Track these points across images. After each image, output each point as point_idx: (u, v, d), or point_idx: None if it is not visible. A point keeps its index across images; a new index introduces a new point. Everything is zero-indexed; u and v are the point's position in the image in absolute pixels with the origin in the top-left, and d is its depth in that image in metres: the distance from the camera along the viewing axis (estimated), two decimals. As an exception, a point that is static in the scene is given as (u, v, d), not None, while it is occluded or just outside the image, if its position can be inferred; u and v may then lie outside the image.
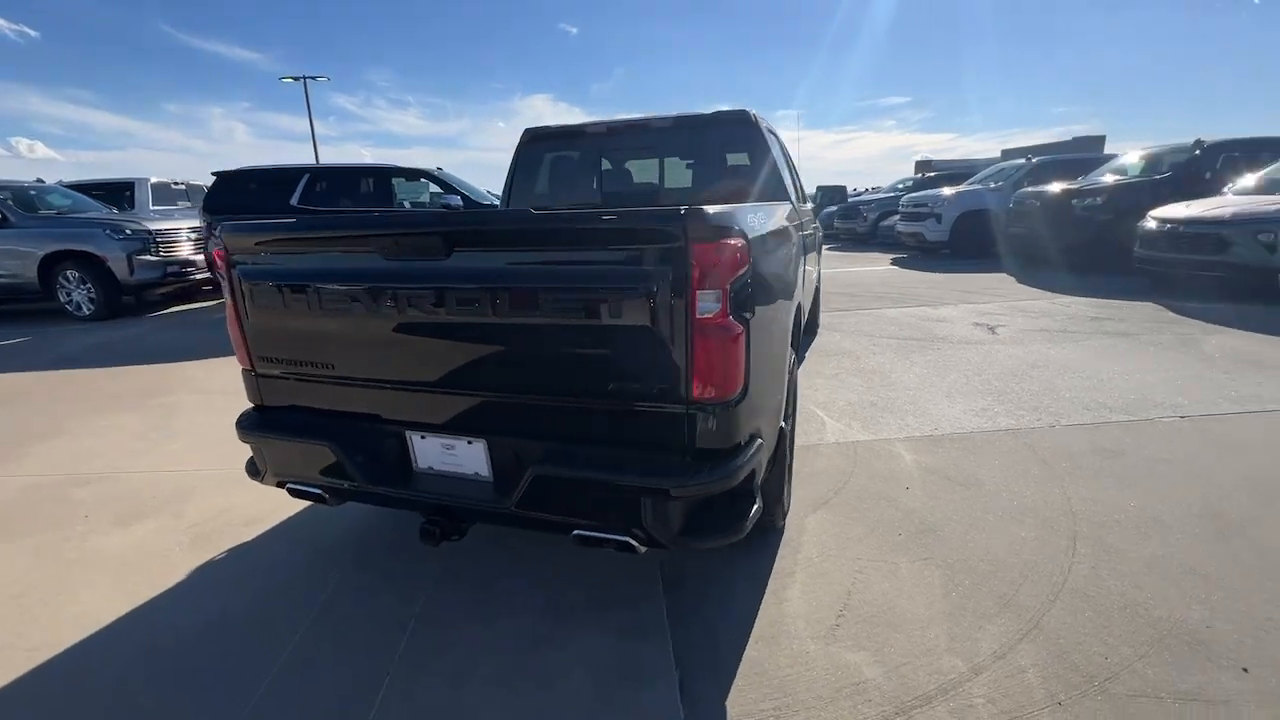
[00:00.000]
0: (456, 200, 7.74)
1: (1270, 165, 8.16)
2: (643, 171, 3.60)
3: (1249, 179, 7.78)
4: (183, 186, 10.56)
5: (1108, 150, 19.80)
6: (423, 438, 1.93)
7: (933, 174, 17.55)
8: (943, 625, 2.02)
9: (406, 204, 8.41)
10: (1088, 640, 1.92)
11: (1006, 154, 23.87)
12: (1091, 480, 2.93)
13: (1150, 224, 7.62)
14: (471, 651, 1.97)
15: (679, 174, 3.43)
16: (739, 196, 3.17)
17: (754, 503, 1.75)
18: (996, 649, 1.90)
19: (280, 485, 2.13)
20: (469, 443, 1.86)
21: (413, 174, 8.11)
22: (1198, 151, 9.06)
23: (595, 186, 3.62)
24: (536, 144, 3.61)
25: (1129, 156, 10.53)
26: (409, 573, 2.41)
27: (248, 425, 2.11)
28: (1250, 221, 6.48)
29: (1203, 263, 6.89)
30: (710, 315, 1.53)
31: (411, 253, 1.76)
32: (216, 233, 2.04)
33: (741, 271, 1.55)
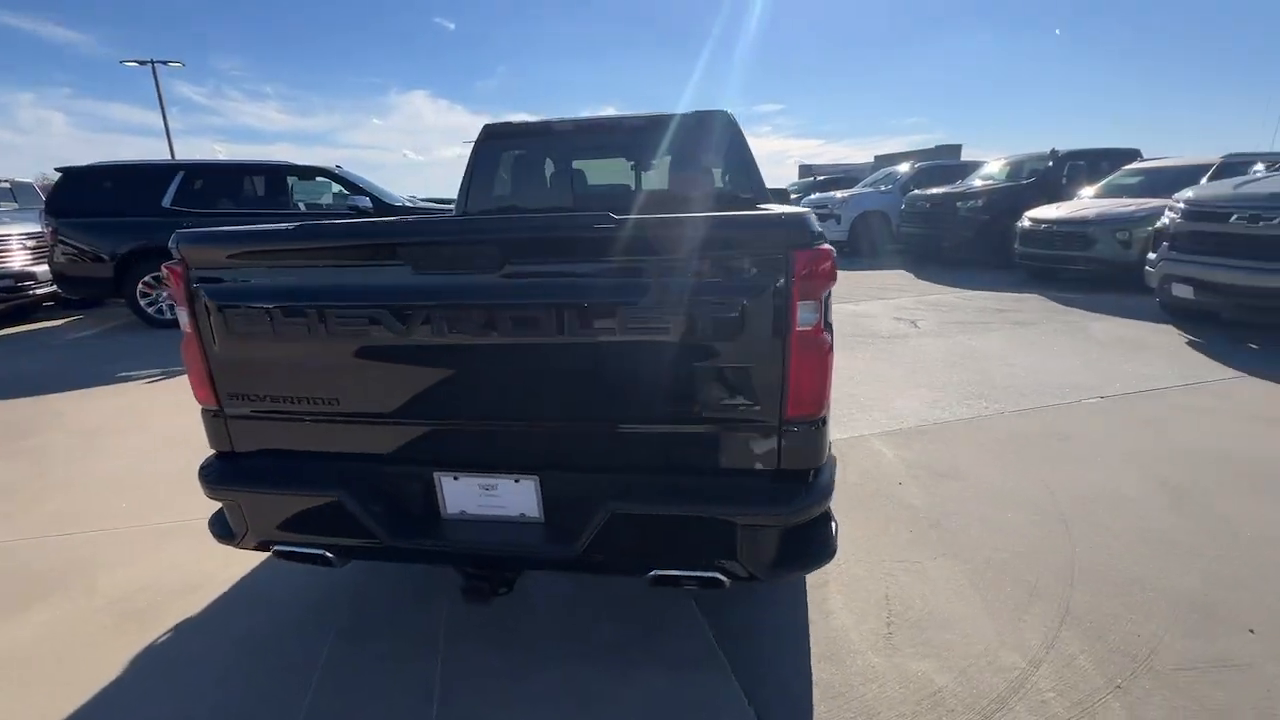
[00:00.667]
0: (365, 201, 7.07)
1: (1109, 173, 9.43)
2: (615, 172, 3.44)
3: (1099, 184, 8.94)
4: (8, 185, 8.85)
5: (963, 157, 22.13)
6: (455, 479, 1.66)
7: (822, 178, 18.64)
8: (986, 621, 2.06)
9: (302, 205, 7.57)
10: (1117, 620, 2.03)
11: (879, 159, 25.87)
12: (1055, 462, 3.16)
13: (1026, 223, 8.53)
14: (516, 717, 1.74)
15: (655, 175, 3.32)
16: (723, 198, 3.11)
17: (833, 522, 1.67)
18: (1043, 639, 1.96)
19: (263, 548, 1.77)
20: (516, 481, 1.63)
21: (310, 172, 7.31)
22: (1050, 162, 10.28)
23: (567, 187, 3.42)
24: (496, 141, 3.36)
25: (995, 164, 11.76)
26: (414, 626, 2.10)
27: (218, 477, 1.73)
28: (1110, 221, 7.43)
29: (1072, 258, 7.80)
30: (809, 327, 1.43)
31: (454, 265, 1.50)
32: (173, 246, 1.63)
33: (834, 282, 1.46)
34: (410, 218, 1.61)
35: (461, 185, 3.38)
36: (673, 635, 2.03)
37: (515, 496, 1.65)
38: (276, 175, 7.06)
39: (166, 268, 1.67)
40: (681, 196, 3.16)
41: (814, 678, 1.86)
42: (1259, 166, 6.70)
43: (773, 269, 1.39)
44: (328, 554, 1.70)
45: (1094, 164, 10.03)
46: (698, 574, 1.54)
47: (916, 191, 11.41)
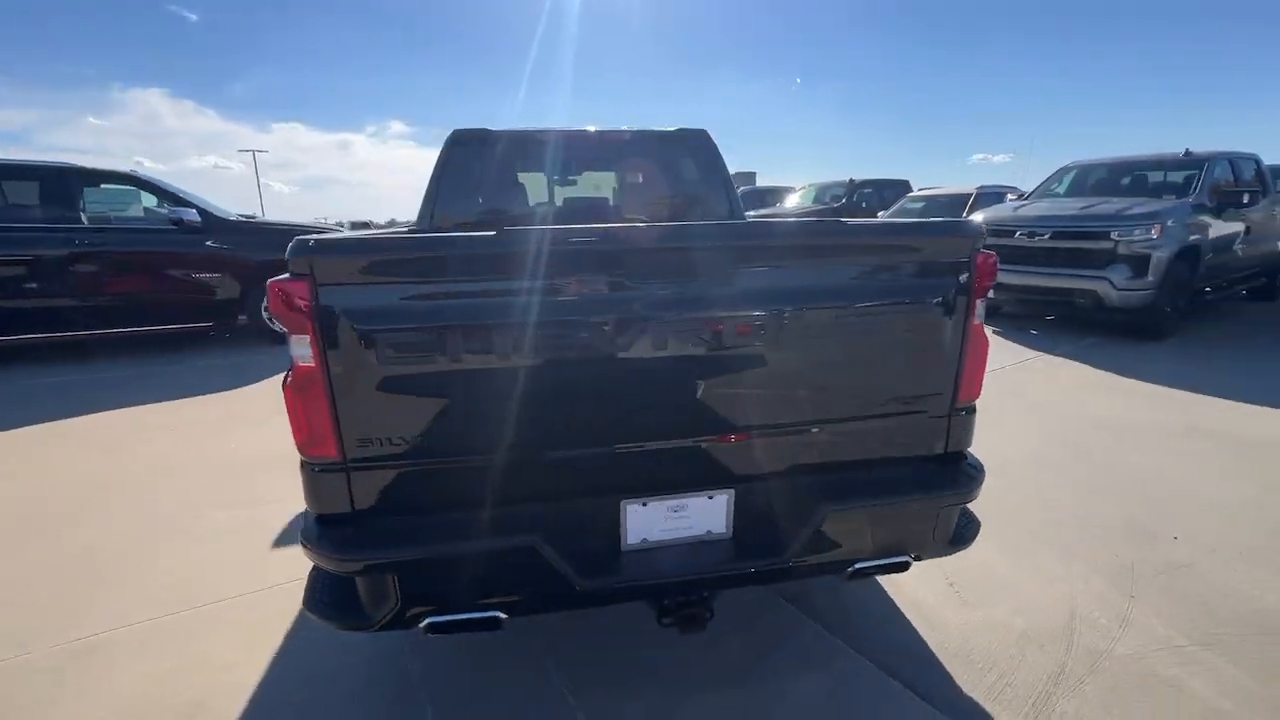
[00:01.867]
0: (192, 214, 5.85)
1: (893, 200, 11.47)
2: (597, 183, 3.37)
3: (893, 208, 10.82)
4: None
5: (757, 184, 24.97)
6: (643, 505, 1.54)
7: None
8: (1028, 573, 2.44)
9: (85, 219, 5.97)
10: (1097, 549, 2.55)
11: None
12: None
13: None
14: (705, 746, 1.66)
15: (637, 187, 3.31)
16: (705, 211, 3.24)
17: None
18: (1064, 575, 2.39)
19: (402, 625, 1.45)
20: (709, 498, 1.57)
21: (105, 177, 5.81)
22: (847, 188, 12.21)
23: (544, 197, 3.27)
24: (466, 148, 3.10)
25: (801, 190, 13.59)
26: (522, 685, 1.86)
27: (353, 543, 1.39)
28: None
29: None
30: (980, 321, 1.63)
31: (674, 275, 1.41)
32: (296, 256, 1.28)
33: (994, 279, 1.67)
34: (604, 226, 1.37)
35: (427, 194, 3.06)
36: (793, 638, 2.08)
37: (703, 514, 1.59)
38: (55, 181, 5.50)
39: (280, 285, 1.31)
40: (668, 209, 3.23)
41: (924, 638, 2.05)
42: (1010, 196, 8.73)
43: (958, 269, 1.56)
44: (500, 614, 1.46)
45: (879, 191, 12.12)
46: (893, 560, 1.64)
47: (751, 214, 12.68)
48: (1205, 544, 2.55)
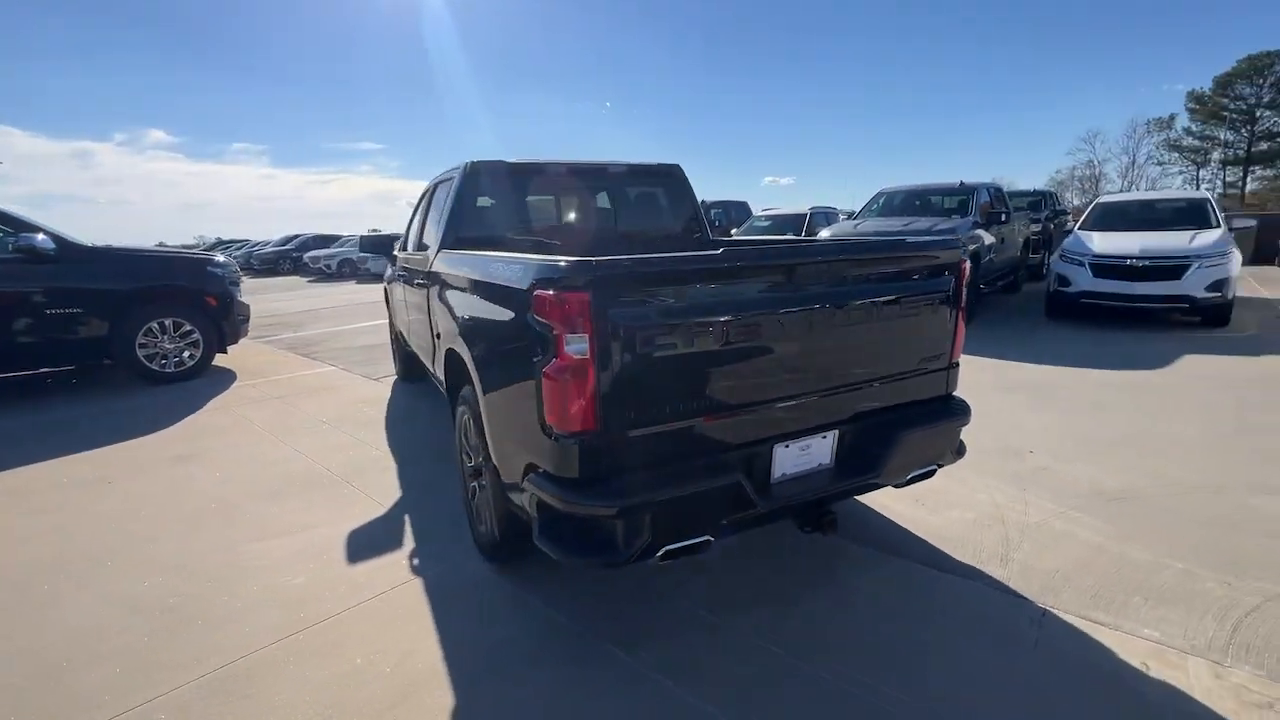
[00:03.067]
0: (43, 241, 5.01)
1: (739, 219, 13.07)
2: (601, 210, 3.82)
3: (743, 226, 12.32)
4: None
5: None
6: (786, 447, 2.12)
7: None
8: (960, 487, 3.39)
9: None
10: (997, 463, 3.61)
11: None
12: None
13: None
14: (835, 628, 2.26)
15: (629, 209, 3.83)
16: (681, 229, 3.89)
17: None
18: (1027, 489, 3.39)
19: (650, 556, 1.85)
20: (823, 438, 2.20)
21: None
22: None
23: (556, 222, 3.64)
24: (484, 176, 3.44)
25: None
26: (672, 610, 2.31)
27: (614, 494, 1.77)
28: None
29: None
30: (964, 305, 2.46)
31: (832, 280, 2.03)
32: (582, 276, 1.65)
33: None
34: (783, 243, 2.04)
35: (450, 216, 3.33)
36: (841, 554, 2.75)
37: (819, 451, 2.21)
38: None
39: (561, 294, 1.68)
40: (653, 227, 3.81)
41: (922, 537, 2.86)
42: (842, 216, 10.58)
43: (952, 271, 2.37)
44: (710, 538, 1.93)
45: (727, 211, 13.70)
46: (929, 469, 2.40)
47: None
48: (1050, 454, 3.75)
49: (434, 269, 3.26)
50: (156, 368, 5.94)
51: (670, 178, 3.92)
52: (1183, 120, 42.12)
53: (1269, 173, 39.92)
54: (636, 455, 1.85)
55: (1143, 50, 60.85)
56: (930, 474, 2.43)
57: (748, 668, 2.05)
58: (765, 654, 2.11)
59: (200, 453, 4.14)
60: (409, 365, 5.69)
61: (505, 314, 2.03)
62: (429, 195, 4.23)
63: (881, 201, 9.33)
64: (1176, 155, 43.79)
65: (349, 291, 16.25)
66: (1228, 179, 41.63)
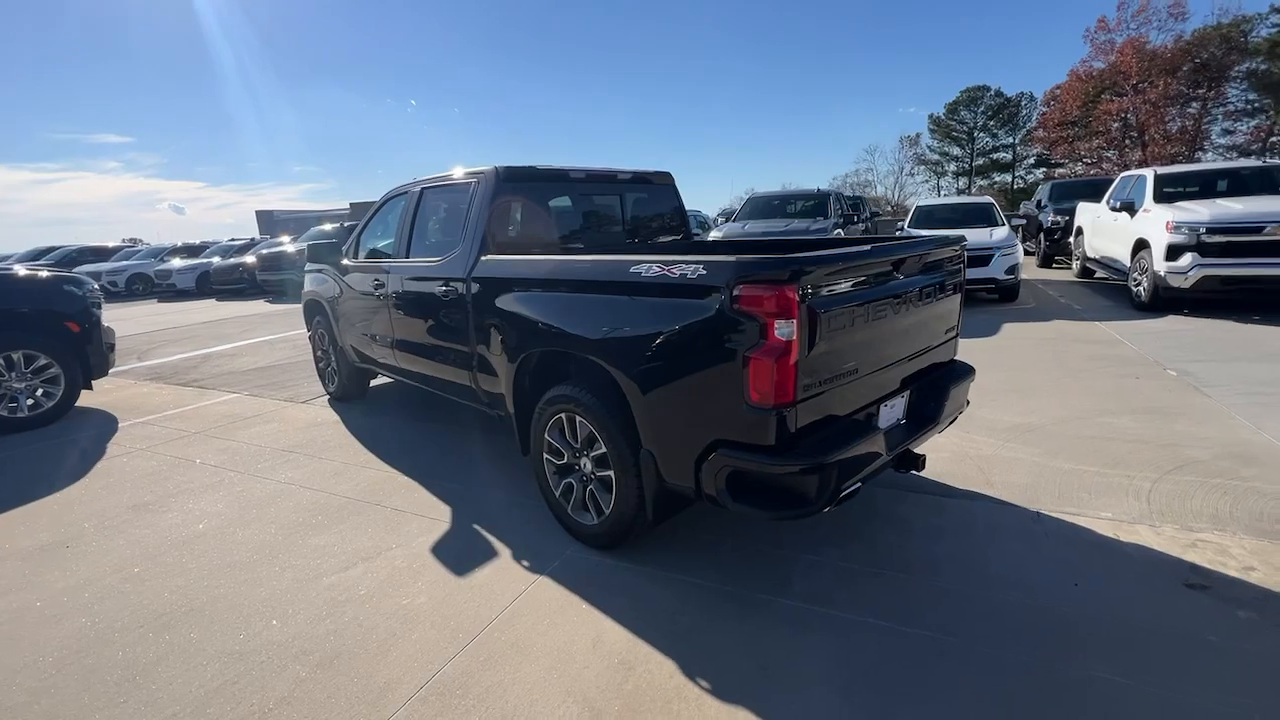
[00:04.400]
0: None
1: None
2: (609, 206, 4.04)
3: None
4: None
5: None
6: (887, 406, 2.64)
7: (349, 224, 17.82)
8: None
9: None
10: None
11: (354, 207, 26.15)
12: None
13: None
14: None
15: (634, 216, 4.05)
16: (673, 226, 4.29)
17: None
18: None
19: (829, 505, 2.22)
20: (901, 397, 2.75)
21: None
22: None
23: (577, 225, 3.78)
24: (516, 183, 3.47)
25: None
26: (768, 574, 2.70)
27: (807, 454, 2.13)
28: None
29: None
30: (961, 290, 3.20)
31: (921, 268, 2.57)
32: (788, 270, 1.98)
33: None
34: (891, 241, 2.64)
35: (479, 212, 3.38)
36: (887, 502, 3.35)
37: (899, 408, 2.76)
38: None
39: (771, 286, 2.00)
40: (651, 226, 4.16)
41: (927, 478, 3.58)
42: (720, 219, 11.58)
43: (961, 260, 3.08)
44: (860, 486, 2.37)
45: None
46: (954, 418, 3.08)
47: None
48: (966, 404, 4.76)
49: (481, 274, 3.25)
50: (5, 412, 4.80)
51: (665, 184, 4.28)
52: (926, 138, 51.60)
53: (985, 182, 50.51)
54: (810, 421, 2.22)
55: (902, 77, 73.28)
56: (953, 421, 3.12)
57: (859, 587, 2.52)
58: (865, 575, 2.60)
59: (162, 500, 3.57)
60: (356, 382, 5.29)
61: (685, 309, 2.26)
62: (413, 201, 4.08)
63: (752, 205, 10.46)
64: (923, 167, 53.46)
65: (166, 311, 13.82)
66: (959, 187, 51.84)
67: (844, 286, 2.27)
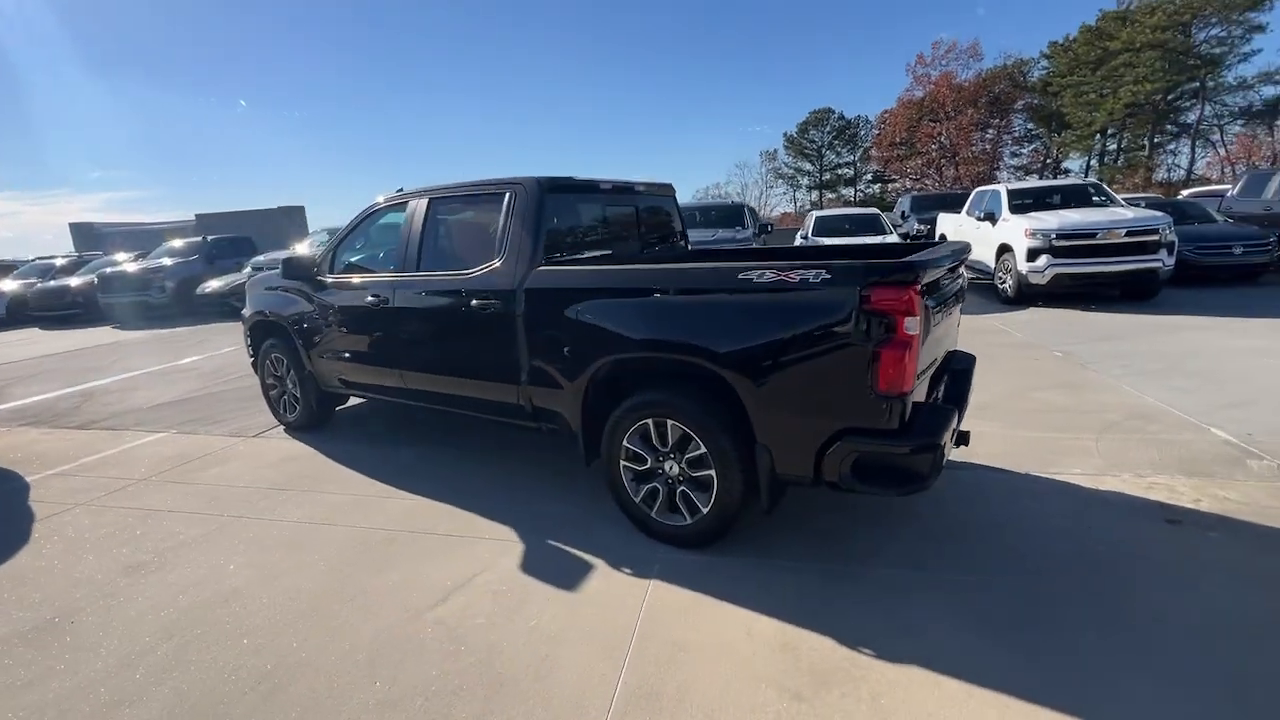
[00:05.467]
0: None
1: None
2: (627, 214, 4.11)
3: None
4: None
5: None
6: (939, 390, 3.02)
7: (226, 236, 15.70)
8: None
9: None
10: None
11: (202, 219, 23.21)
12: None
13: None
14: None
15: (646, 226, 4.14)
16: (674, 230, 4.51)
17: None
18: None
19: (940, 472, 2.51)
20: (942, 382, 3.16)
21: None
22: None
23: (601, 228, 3.84)
24: (557, 194, 3.46)
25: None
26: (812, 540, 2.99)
27: (924, 435, 2.42)
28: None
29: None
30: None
31: (956, 270, 2.95)
32: (914, 270, 2.24)
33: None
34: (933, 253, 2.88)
35: (527, 223, 3.32)
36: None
37: (942, 391, 3.16)
38: None
39: (902, 286, 2.26)
40: (659, 231, 4.35)
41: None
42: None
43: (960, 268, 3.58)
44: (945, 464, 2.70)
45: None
46: (968, 397, 3.57)
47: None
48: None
49: (538, 285, 3.20)
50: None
51: (667, 195, 4.46)
52: (782, 154, 56.14)
53: (832, 195, 56.01)
54: (913, 406, 2.51)
55: (750, 98, 79.04)
56: (967, 400, 3.60)
57: (935, 551, 2.87)
58: (932, 540, 2.95)
59: (157, 557, 3.08)
60: (324, 409, 4.84)
61: (808, 311, 2.44)
62: (419, 212, 3.87)
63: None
64: (781, 180, 58.09)
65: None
66: (813, 200, 56.98)
67: (931, 286, 2.59)
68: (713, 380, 2.73)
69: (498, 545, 3.06)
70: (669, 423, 2.86)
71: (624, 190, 4.01)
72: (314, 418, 4.86)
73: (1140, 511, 3.18)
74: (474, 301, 3.46)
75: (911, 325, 2.31)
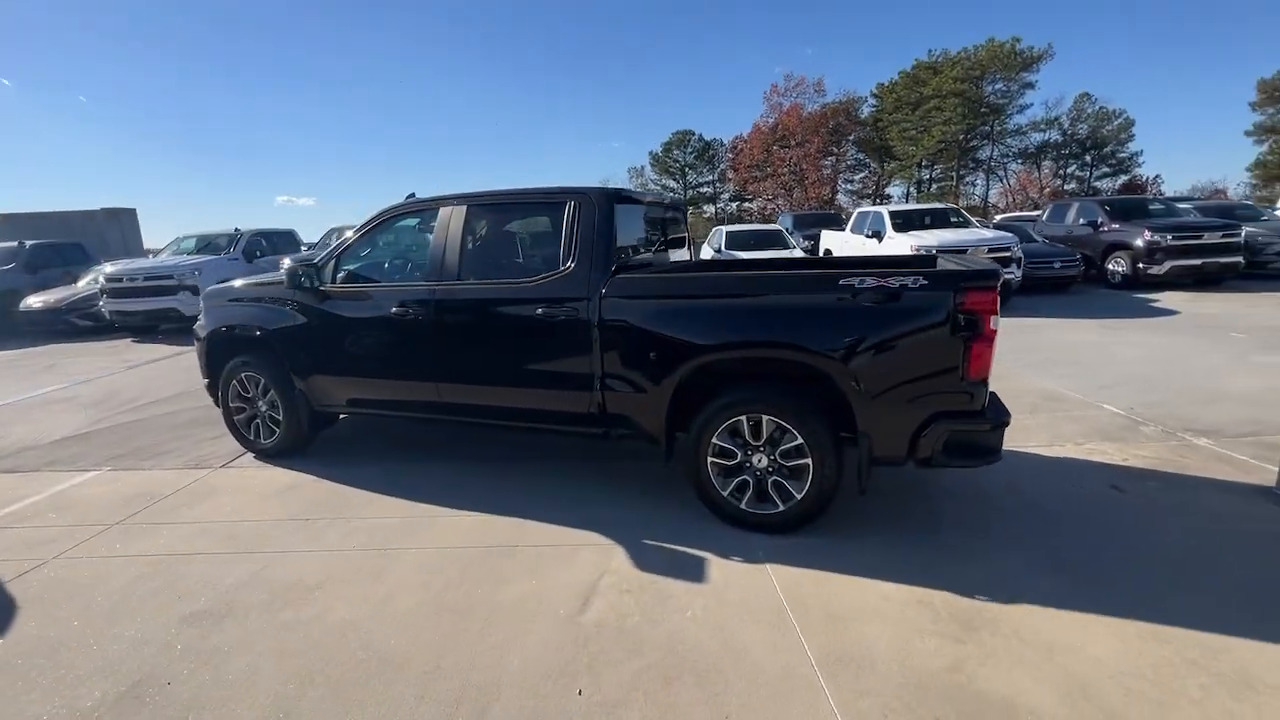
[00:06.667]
0: None
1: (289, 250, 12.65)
2: (656, 232, 4.21)
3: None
4: None
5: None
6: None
7: (49, 241, 12.94)
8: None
9: None
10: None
11: (4, 219, 19.18)
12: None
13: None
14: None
15: (670, 237, 4.32)
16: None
17: None
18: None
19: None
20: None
21: None
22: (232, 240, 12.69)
23: (635, 241, 3.93)
24: (620, 203, 3.54)
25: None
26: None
27: (998, 415, 2.89)
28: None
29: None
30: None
31: None
32: (995, 277, 2.69)
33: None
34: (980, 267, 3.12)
35: (601, 233, 3.40)
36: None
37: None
38: None
39: (989, 289, 2.71)
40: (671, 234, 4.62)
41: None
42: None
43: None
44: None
45: (272, 242, 12.83)
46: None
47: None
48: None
49: (620, 293, 3.28)
50: None
51: (682, 210, 4.72)
52: (649, 171, 58.42)
53: (696, 211, 59.36)
54: (987, 392, 2.99)
55: (610, 118, 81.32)
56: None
57: (977, 520, 3.39)
58: (966, 511, 3.48)
59: (220, 602, 2.69)
60: (312, 430, 4.40)
61: (909, 312, 2.80)
62: (455, 219, 3.74)
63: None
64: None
65: None
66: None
67: None
68: (810, 375, 3.03)
69: (601, 550, 3.08)
70: (764, 418, 3.09)
71: (655, 204, 4.22)
72: (298, 441, 4.40)
73: (1091, 472, 3.96)
74: (540, 310, 3.45)
75: (994, 322, 2.78)
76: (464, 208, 3.79)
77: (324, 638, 2.46)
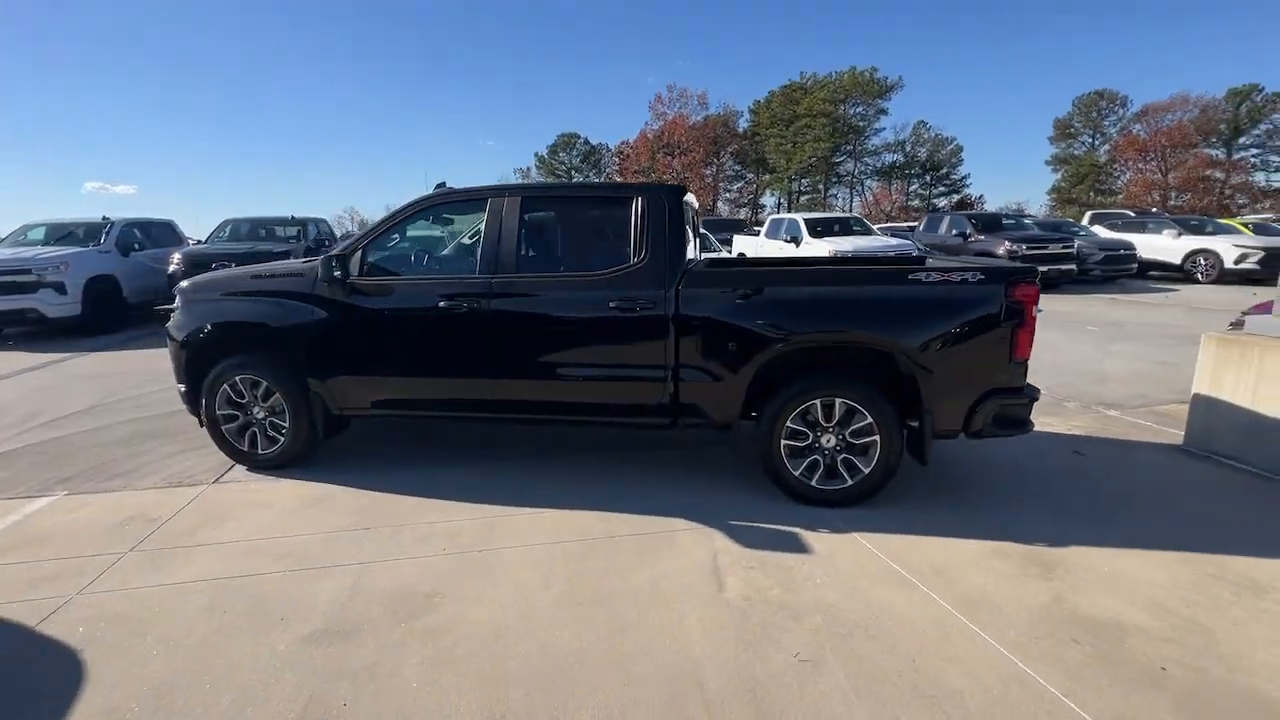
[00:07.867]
0: None
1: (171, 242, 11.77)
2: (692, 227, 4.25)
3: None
4: None
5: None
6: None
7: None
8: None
9: None
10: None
11: None
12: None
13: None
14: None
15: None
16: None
17: None
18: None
19: None
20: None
21: None
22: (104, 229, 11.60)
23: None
24: (684, 198, 3.65)
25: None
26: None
27: (1031, 389, 3.39)
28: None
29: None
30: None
31: None
32: (1032, 274, 3.17)
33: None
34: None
35: (674, 227, 3.54)
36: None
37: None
38: None
39: (1031, 283, 3.19)
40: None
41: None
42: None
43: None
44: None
45: (148, 233, 11.75)
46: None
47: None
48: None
49: (697, 286, 3.40)
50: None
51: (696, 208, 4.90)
52: (535, 173, 57.73)
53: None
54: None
55: (480, 112, 79.32)
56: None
57: (978, 485, 3.93)
58: (969, 481, 4.02)
59: (333, 621, 2.43)
60: (328, 437, 4.02)
61: (969, 303, 3.20)
62: (508, 210, 3.63)
63: (229, 229, 11.56)
64: (533, 197, 59.52)
65: None
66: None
67: None
68: (881, 360, 3.36)
69: (699, 535, 3.18)
70: (837, 400, 3.37)
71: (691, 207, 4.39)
72: (300, 449, 3.98)
73: (1051, 440, 4.70)
74: (613, 302, 3.46)
75: (1035, 311, 3.27)
76: (518, 199, 3.70)
77: (482, 641, 2.35)
